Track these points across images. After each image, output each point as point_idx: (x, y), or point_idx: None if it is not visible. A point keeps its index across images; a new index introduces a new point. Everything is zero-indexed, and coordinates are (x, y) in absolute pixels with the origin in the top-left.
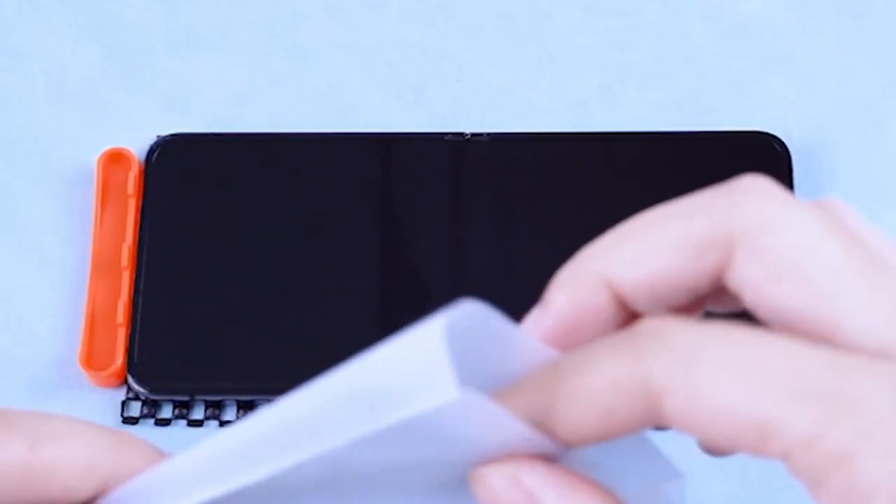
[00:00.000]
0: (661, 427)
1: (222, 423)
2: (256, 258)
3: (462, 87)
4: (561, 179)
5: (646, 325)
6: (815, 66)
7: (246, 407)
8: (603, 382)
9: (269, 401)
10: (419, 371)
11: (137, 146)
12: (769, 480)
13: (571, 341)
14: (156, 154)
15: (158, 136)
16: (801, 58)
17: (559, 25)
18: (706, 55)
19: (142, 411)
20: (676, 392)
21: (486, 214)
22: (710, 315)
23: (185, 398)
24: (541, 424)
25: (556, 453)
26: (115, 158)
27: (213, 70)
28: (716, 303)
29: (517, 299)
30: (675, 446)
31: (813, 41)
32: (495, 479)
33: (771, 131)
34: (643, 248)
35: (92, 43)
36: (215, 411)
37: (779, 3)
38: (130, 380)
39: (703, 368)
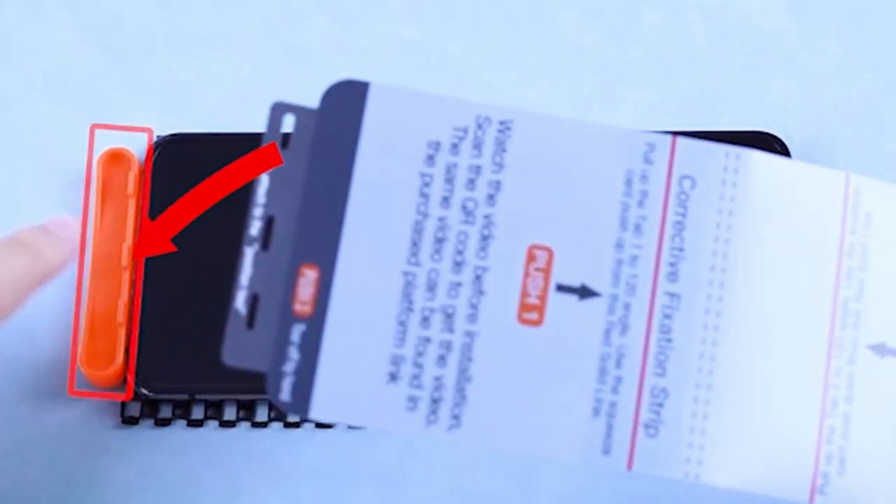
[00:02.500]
0: None
1: (222, 423)
2: None
3: (462, 87)
4: None
5: None
6: (815, 66)
7: (246, 407)
8: None
9: (269, 401)
10: None
11: (137, 146)
12: None
13: None
14: (156, 154)
15: (158, 136)
16: (801, 58)
17: (559, 25)
18: (706, 55)
19: (142, 411)
20: None
21: None
22: None
23: (185, 398)
24: None
25: None
26: (115, 158)
27: (213, 70)
28: None
29: None
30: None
31: (813, 41)
32: None
33: (771, 131)
34: None
35: (92, 43)
36: (215, 411)
37: (779, 3)
38: (130, 380)
39: None
